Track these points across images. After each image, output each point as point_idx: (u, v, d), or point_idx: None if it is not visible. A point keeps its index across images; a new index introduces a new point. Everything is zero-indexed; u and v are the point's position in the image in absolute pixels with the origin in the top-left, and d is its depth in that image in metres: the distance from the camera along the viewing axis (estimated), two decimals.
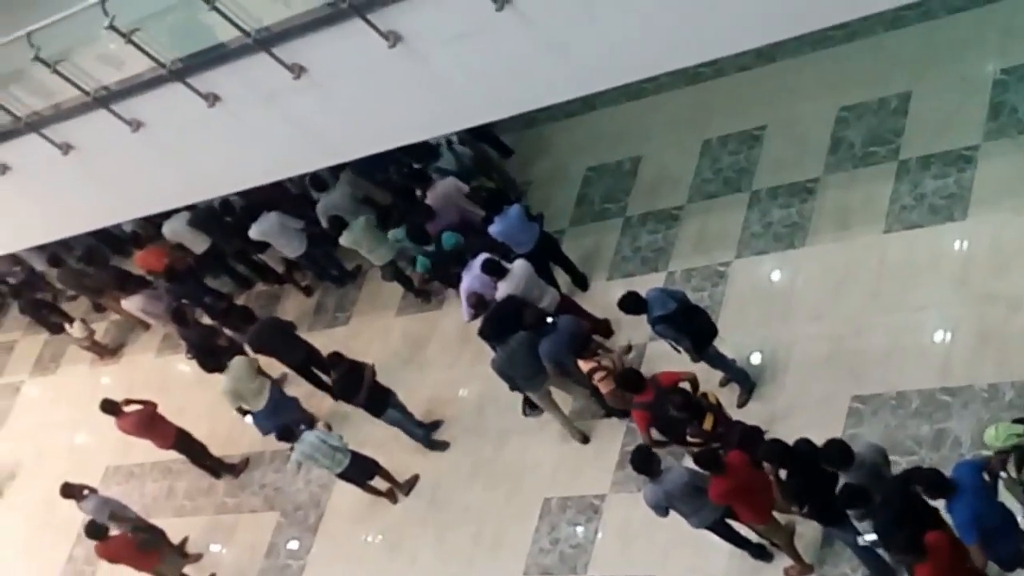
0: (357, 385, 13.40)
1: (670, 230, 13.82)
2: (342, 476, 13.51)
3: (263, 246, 16.16)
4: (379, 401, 13.62)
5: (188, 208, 16.44)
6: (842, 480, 9.08)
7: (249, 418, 14.64)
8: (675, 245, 13.68)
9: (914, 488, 8.76)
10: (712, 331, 11.59)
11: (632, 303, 11.37)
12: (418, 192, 14.63)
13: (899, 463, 10.46)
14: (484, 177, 15.24)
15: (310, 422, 14.16)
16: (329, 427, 13.56)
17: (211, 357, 15.02)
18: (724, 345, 11.82)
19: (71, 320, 18.61)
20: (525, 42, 9.43)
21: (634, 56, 9.44)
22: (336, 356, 13.49)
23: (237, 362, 14.53)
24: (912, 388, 11.05)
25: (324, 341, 15.74)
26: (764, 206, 13.20)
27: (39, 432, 19.35)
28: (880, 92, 13.06)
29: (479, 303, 12.61)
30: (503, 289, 12.52)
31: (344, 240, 14.85)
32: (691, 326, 11.35)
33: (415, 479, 13.91)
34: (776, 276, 12.82)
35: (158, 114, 11.52)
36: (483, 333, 12.51)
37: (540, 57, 9.58)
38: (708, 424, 10.41)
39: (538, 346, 11.87)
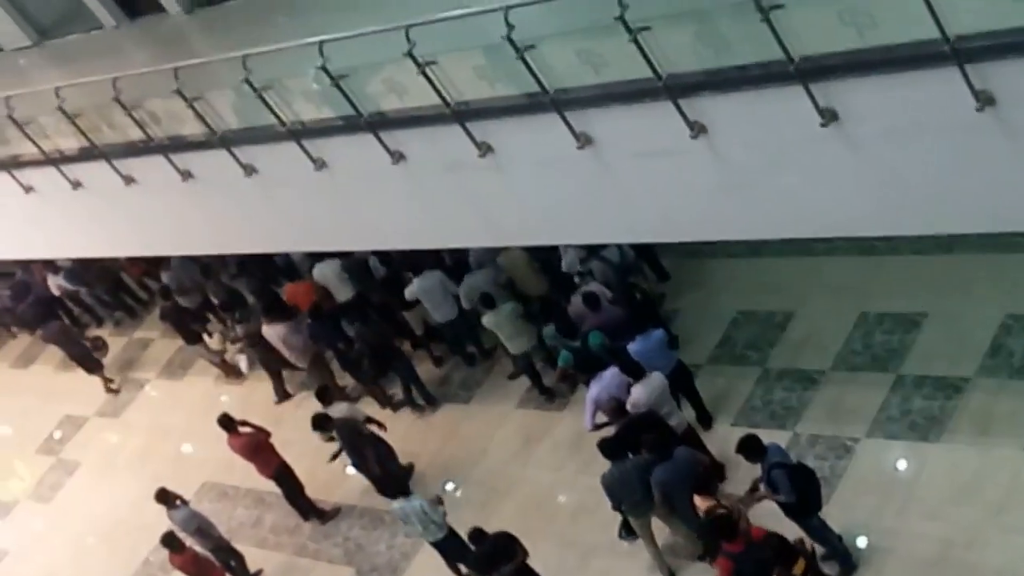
0: (501, 563, 12.24)
1: (806, 391, 13.64)
2: (435, 545, 13.49)
3: (410, 305, 16.38)
4: None
5: (342, 255, 16.86)
6: None
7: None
8: (808, 408, 13.49)
9: None
10: (818, 503, 11.40)
11: (752, 445, 11.24)
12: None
13: None
14: (640, 277, 15.59)
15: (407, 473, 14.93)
16: (440, 501, 13.57)
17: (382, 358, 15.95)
18: (833, 520, 11.57)
19: (211, 332, 19.09)
20: (711, 174, 9.47)
21: (814, 214, 9.40)
22: (478, 533, 12.48)
23: (337, 409, 15.05)
24: None
25: (441, 414, 15.91)
26: (907, 392, 12.95)
27: (150, 431, 19.83)
28: None
29: (618, 409, 12.51)
30: (637, 393, 12.51)
31: (486, 320, 15.02)
32: (803, 485, 11.15)
33: None
34: (902, 465, 12.53)
35: (343, 159, 11.82)
36: (603, 446, 12.36)
37: (722, 192, 9.61)
38: (799, 569, 10.24)
39: (651, 473, 11.78)
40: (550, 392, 15.44)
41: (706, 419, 13.85)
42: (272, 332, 17.13)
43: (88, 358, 21.17)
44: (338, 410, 14.99)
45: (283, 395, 18.16)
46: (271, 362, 17.95)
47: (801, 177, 9.07)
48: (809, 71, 8.20)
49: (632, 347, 13.20)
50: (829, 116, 8.34)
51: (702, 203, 9.91)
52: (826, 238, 11.43)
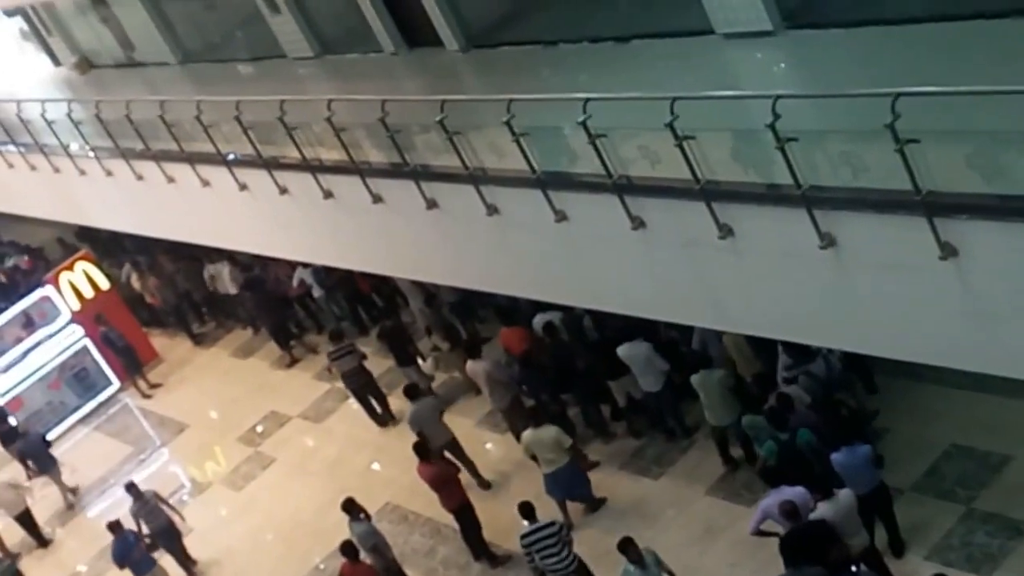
0: None
1: (1010, 541, 13.01)
2: None
3: (619, 371, 16.37)
4: None
5: (564, 308, 16.99)
6: None
7: None
8: (1008, 558, 12.85)
9: None
10: None
11: None
12: None
13: None
14: (848, 395, 15.17)
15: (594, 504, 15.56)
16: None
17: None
18: None
19: (424, 357, 19.52)
20: (953, 300, 9.18)
21: None
22: None
23: (547, 430, 15.33)
24: None
25: (629, 485, 15.79)
26: None
27: (346, 442, 20.35)
28: None
29: (793, 512, 12.23)
30: (823, 509, 12.20)
31: (695, 380, 15.03)
32: None
33: None
34: None
35: (584, 215, 11.93)
36: (784, 547, 12.10)
37: (962, 320, 9.29)
38: None
39: None
40: (734, 462, 15.38)
41: (898, 546, 13.38)
42: (476, 368, 17.41)
43: (284, 331, 22.68)
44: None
45: None
46: None
47: None
48: None
49: (836, 457, 12.89)
50: None
51: (939, 327, 9.60)
52: None
